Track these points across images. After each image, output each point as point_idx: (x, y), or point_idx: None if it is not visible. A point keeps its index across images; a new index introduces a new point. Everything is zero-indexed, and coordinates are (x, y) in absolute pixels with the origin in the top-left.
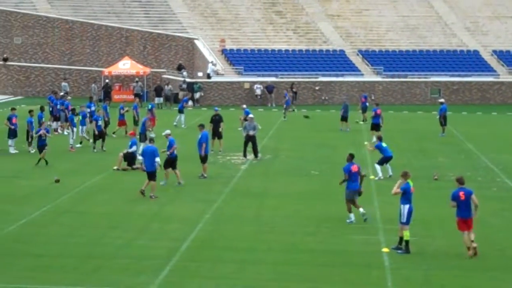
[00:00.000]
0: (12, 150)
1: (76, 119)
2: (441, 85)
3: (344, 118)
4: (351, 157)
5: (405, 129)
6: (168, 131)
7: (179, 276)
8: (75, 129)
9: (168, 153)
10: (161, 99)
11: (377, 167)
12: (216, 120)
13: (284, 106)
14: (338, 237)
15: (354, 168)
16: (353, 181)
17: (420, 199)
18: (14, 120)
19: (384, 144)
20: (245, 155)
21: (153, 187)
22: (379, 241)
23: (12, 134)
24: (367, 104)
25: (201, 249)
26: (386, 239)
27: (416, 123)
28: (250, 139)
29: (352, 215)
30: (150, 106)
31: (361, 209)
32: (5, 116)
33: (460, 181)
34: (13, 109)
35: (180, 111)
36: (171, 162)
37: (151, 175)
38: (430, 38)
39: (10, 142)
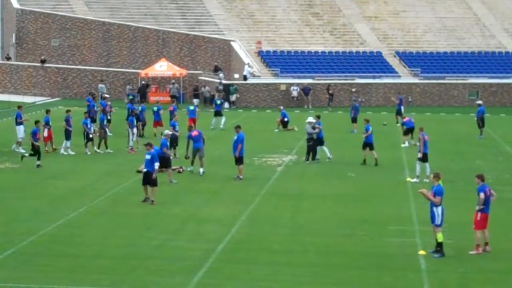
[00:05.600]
0: (63, 151)
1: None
2: (479, 87)
3: (354, 120)
4: (190, 127)
5: (442, 131)
6: None
7: (215, 277)
8: (135, 130)
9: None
10: (198, 101)
11: (417, 166)
12: None
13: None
14: (374, 239)
15: (195, 133)
16: (196, 141)
17: (458, 201)
18: (70, 122)
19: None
20: (308, 159)
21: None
22: (415, 244)
23: (69, 135)
24: (402, 106)
25: (236, 251)
26: (423, 241)
27: (454, 125)
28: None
29: (192, 167)
30: (192, 107)
31: (201, 169)
32: (43, 117)
33: (482, 177)
34: (68, 110)
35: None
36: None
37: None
38: (468, 39)
39: (64, 144)
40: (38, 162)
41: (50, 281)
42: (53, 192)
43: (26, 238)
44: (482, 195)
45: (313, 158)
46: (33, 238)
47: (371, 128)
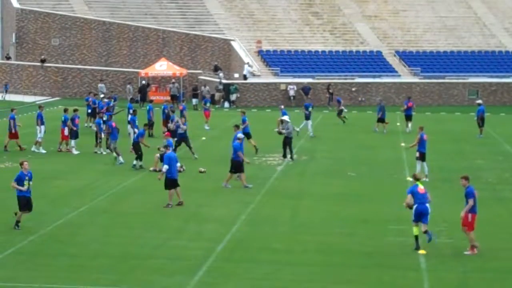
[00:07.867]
0: (74, 151)
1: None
2: (479, 86)
3: (381, 120)
4: (110, 116)
5: (442, 131)
6: None
7: (215, 276)
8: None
9: None
10: (197, 100)
11: (418, 166)
12: None
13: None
14: (375, 238)
15: (114, 124)
16: (114, 134)
17: (457, 200)
18: (76, 121)
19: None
20: (285, 156)
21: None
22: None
23: (74, 135)
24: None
25: (237, 250)
26: (423, 240)
27: (454, 125)
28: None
29: (120, 158)
30: (205, 102)
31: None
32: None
33: (468, 178)
34: (75, 110)
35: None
36: None
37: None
38: (468, 38)
39: (72, 143)
40: (135, 162)
41: (50, 281)
42: (53, 191)
43: (26, 237)
44: (471, 201)
45: (284, 156)
46: (33, 238)
47: (247, 119)
